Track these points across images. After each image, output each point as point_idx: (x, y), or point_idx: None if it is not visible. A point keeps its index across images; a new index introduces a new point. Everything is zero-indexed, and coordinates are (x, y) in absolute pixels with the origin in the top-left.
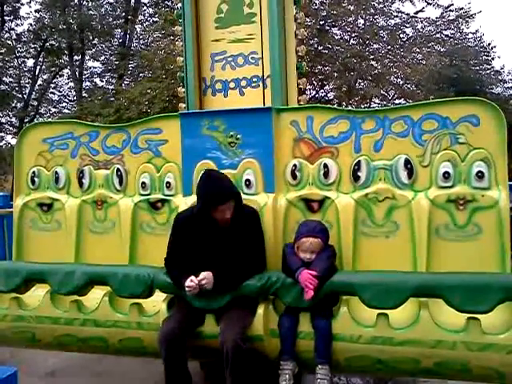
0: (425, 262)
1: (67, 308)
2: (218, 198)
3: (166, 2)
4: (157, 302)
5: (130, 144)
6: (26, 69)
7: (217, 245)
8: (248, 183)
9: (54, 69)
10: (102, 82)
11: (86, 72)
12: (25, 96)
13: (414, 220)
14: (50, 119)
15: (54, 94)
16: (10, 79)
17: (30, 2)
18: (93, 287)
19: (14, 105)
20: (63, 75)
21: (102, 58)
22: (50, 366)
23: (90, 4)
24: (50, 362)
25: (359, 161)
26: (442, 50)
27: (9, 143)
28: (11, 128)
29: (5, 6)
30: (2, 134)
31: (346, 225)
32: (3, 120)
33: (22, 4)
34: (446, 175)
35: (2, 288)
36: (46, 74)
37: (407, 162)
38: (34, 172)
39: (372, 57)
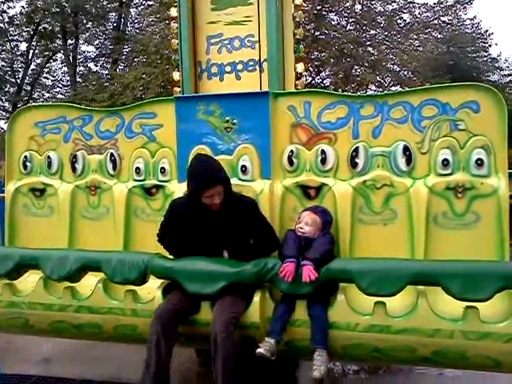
0: (423, 250)
1: (61, 294)
2: (203, 181)
3: None
4: (151, 289)
5: (123, 128)
6: (18, 53)
7: (209, 231)
8: (244, 169)
9: (47, 53)
10: (96, 66)
11: (79, 56)
12: (18, 80)
13: (413, 208)
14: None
15: (47, 78)
16: (3, 63)
17: None
18: (86, 273)
19: (6, 89)
20: (57, 59)
21: (96, 42)
22: (45, 353)
23: None
24: (45, 349)
25: (357, 147)
26: (439, 36)
27: (1, 128)
28: (4, 113)
29: None
30: None
31: (344, 212)
32: None
33: None
34: (445, 162)
35: None
36: (39, 59)
37: (406, 149)
38: (26, 156)
39: (369, 43)
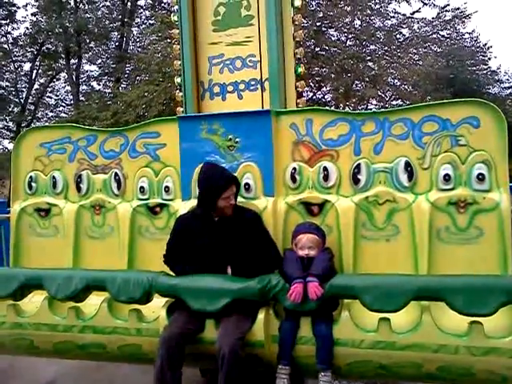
0: (426, 266)
1: (65, 315)
2: (223, 180)
3: (163, 4)
4: (156, 309)
5: (127, 148)
6: (22, 73)
7: (214, 244)
8: (247, 187)
9: (50, 72)
10: (99, 85)
11: (82, 75)
12: (22, 100)
13: (415, 223)
14: (47, 123)
15: (50, 97)
16: (7, 83)
17: (26, 6)
18: (91, 293)
19: (10, 109)
20: (60, 79)
21: (99, 61)
22: (50, 375)
23: (86, 7)
24: (50, 371)
25: (359, 164)
26: (438, 50)
27: (6, 148)
28: (8, 133)
29: (1, 10)
30: None
31: (347, 228)
32: (0, 125)
33: (18, 7)
34: (447, 178)
35: (0, 293)
36: (42, 78)
37: (407, 165)
38: (31, 177)
39: (369, 58)
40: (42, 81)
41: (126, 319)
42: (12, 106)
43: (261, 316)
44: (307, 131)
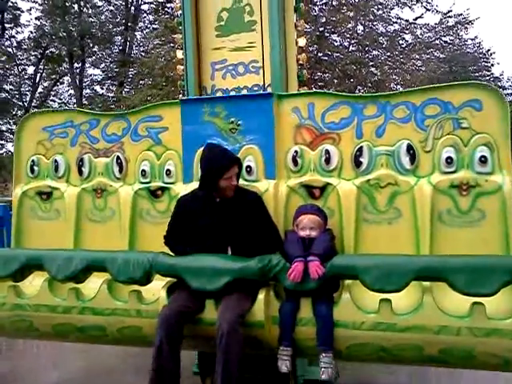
0: (428, 249)
1: (65, 296)
2: (226, 160)
3: (166, 9)
4: (156, 291)
5: (130, 132)
6: (26, 76)
7: (215, 224)
8: (249, 169)
9: (54, 76)
10: (103, 89)
11: (86, 79)
12: (25, 103)
13: (417, 206)
14: None
15: (54, 101)
16: (11, 87)
17: (30, 10)
18: (91, 273)
19: (14, 112)
20: (63, 83)
21: (103, 65)
22: (52, 380)
23: (90, 11)
24: (53, 376)
25: (361, 147)
26: (441, 56)
27: (9, 151)
28: (12, 136)
29: (5, 14)
30: (3, 142)
31: (348, 211)
32: (4, 128)
33: (23, 11)
34: (449, 160)
35: (0, 273)
36: (46, 82)
37: (409, 148)
38: (33, 160)
39: (371, 63)
40: (45, 84)
41: (125, 300)
42: (16, 109)
43: (261, 296)
44: (309, 114)
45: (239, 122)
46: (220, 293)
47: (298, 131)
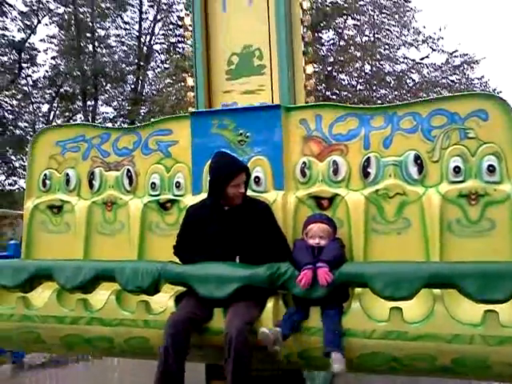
0: (438, 259)
1: (73, 307)
2: (234, 167)
3: (178, 48)
4: (164, 304)
5: (140, 145)
6: (40, 114)
7: (223, 233)
8: (257, 180)
9: (67, 114)
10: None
11: (98, 117)
12: None
13: (426, 216)
14: None
15: None
16: (25, 124)
17: (46, 50)
18: (100, 283)
19: (28, 149)
20: (76, 120)
21: (115, 103)
22: None
23: (104, 51)
24: None
25: (369, 157)
26: (448, 95)
27: (21, 187)
28: (25, 172)
29: (23, 54)
30: (16, 178)
31: (357, 222)
32: (17, 164)
33: (39, 51)
34: (457, 170)
35: (10, 284)
36: (60, 119)
37: (417, 158)
38: (45, 175)
39: (379, 102)
40: (59, 122)
41: (133, 311)
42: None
43: (269, 305)
44: (317, 126)
45: (248, 134)
46: (228, 300)
47: (306, 143)
